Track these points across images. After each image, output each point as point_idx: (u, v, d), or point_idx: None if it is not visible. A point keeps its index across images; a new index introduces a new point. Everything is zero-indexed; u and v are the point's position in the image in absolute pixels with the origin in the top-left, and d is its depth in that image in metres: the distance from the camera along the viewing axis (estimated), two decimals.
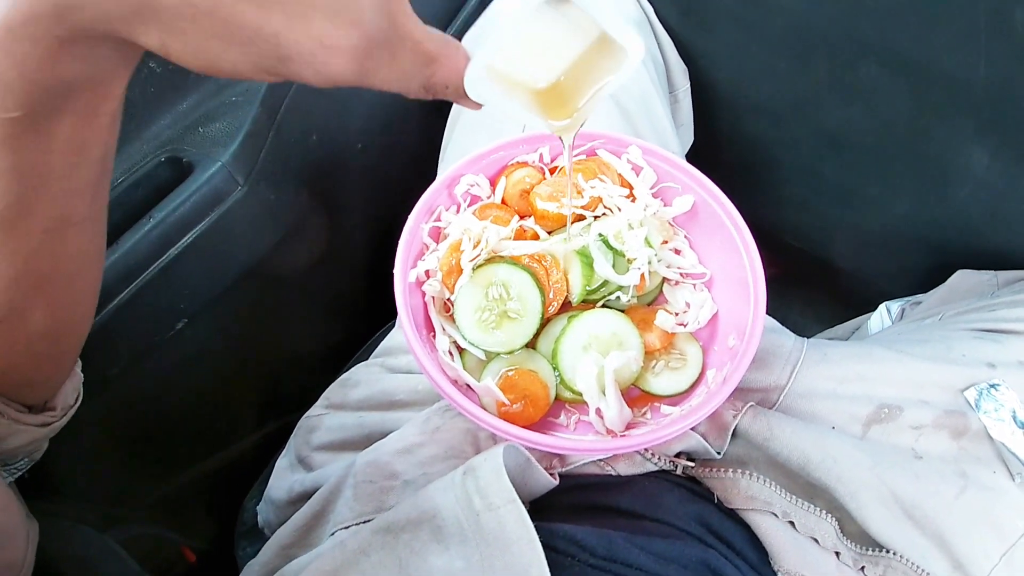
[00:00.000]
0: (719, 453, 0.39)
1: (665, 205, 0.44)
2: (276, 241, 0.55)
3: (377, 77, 0.20)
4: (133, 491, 0.57)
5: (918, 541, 0.37)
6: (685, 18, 0.60)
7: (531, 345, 0.40)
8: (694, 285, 0.44)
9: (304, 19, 0.17)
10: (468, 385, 0.39)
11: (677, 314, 0.42)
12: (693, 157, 0.66)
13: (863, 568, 0.37)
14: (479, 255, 0.40)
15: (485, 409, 0.36)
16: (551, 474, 0.38)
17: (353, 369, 0.52)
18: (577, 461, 0.39)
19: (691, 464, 0.40)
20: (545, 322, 0.40)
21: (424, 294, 0.41)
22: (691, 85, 0.64)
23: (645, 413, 0.40)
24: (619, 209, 0.43)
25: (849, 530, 0.38)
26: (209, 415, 0.60)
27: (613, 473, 0.40)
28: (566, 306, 0.42)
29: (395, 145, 0.66)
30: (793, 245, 0.72)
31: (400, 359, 0.50)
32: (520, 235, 0.42)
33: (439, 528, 0.33)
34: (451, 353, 0.40)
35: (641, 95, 0.53)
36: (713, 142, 0.68)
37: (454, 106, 0.57)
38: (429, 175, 0.48)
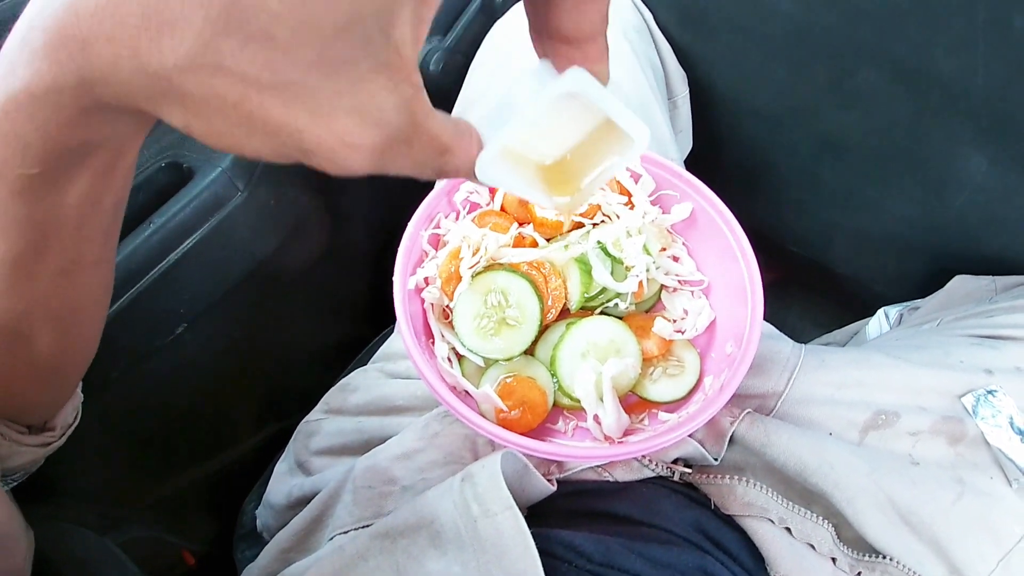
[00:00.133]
0: (716, 459, 0.40)
1: (663, 212, 0.44)
2: (276, 246, 0.56)
3: (392, 167, 0.20)
4: (132, 494, 0.57)
5: (915, 547, 0.37)
6: (684, 24, 0.61)
7: (529, 352, 0.40)
8: (692, 292, 0.44)
9: (328, 118, 0.18)
10: (467, 391, 0.39)
11: (675, 321, 0.43)
12: (692, 163, 0.66)
13: (859, 574, 0.37)
14: (478, 262, 0.40)
15: (483, 415, 0.36)
16: (549, 480, 0.38)
17: (352, 374, 0.52)
18: (575, 467, 0.39)
19: (688, 470, 0.40)
20: (543, 329, 0.41)
21: (423, 301, 0.41)
22: (690, 91, 0.64)
23: (643, 420, 0.40)
24: (617, 216, 0.43)
25: (846, 536, 0.38)
26: (208, 419, 0.60)
27: (611, 479, 0.40)
28: (564, 313, 0.42)
29: None
30: (792, 250, 0.72)
31: (399, 364, 0.50)
32: (519, 242, 0.43)
33: (437, 534, 0.33)
34: (450, 360, 0.40)
35: (640, 102, 0.54)
36: (712, 148, 0.68)
37: (454, 111, 0.57)
38: (428, 181, 0.48)
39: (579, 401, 0.39)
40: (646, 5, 0.61)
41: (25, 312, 0.25)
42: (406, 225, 0.40)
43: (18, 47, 0.18)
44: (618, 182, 0.44)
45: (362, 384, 0.50)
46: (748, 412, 0.40)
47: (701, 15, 0.59)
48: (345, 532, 0.40)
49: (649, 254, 0.42)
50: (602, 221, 0.43)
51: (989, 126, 0.48)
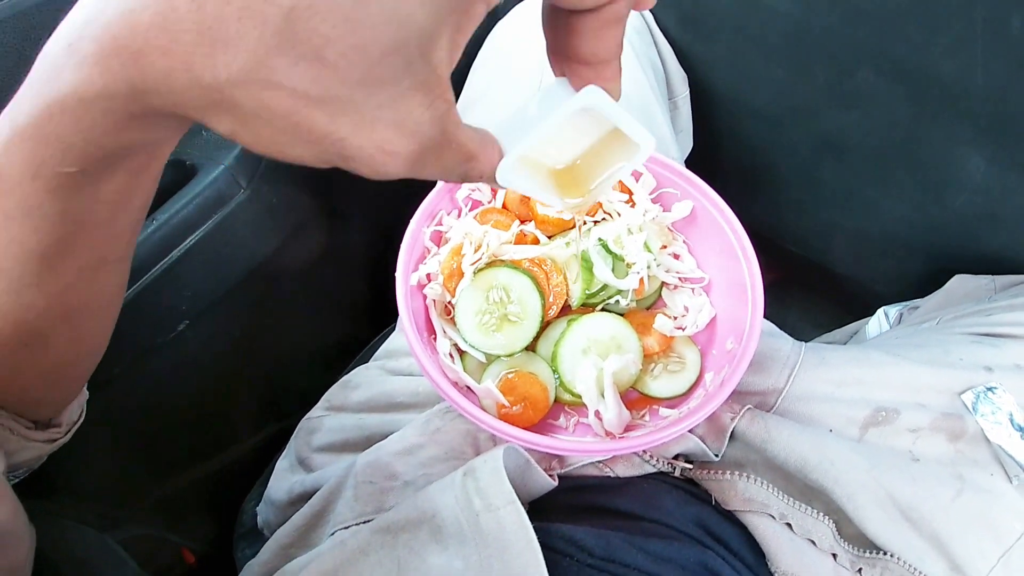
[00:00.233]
0: (717, 455, 0.40)
1: (664, 210, 0.44)
2: (278, 244, 0.56)
3: (424, 173, 0.22)
4: (133, 492, 0.57)
5: (915, 543, 0.37)
6: (684, 25, 0.61)
7: (531, 348, 0.41)
8: (692, 289, 0.44)
9: (369, 129, 0.19)
10: (468, 387, 0.39)
11: (676, 318, 0.43)
12: (692, 163, 0.67)
13: (860, 570, 0.37)
14: (480, 259, 0.40)
15: (485, 411, 0.36)
16: (550, 475, 0.38)
17: (354, 371, 0.52)
18: (576, 462, 0.39)
19: (689, 466, 0.40)
20: (545, 325, 0.41)
21: (425, 297, 0.41)
22: (690, 92, 0.64)
23: (643, 415, 0.40)
24: (619, 214, 0.43)
25: (846, 532, 0.38)
26: (209, 417, 0.60)
27: (612, 475, 0.40)
28: (566, 310, 0.42)
29: None
30: (791, 250, 0.72)
31: (401, 361, 0.50)
32: (520, 239, 0.43)
33: (438, 528, 0.33)
34: (452, 355, 0.40)
35: (641, 102, 0.54)
36: (712, 148, 0.69)
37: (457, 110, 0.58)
38: (430, 182, 0.49)
39: (580, 397, 0.39)
40: None
41: (45, 309, 0.26)
42: (407, 224, 0.40)
43: (65, 53, 0.19)
44: (619, 180, 0.44)
45: (364, 381, 0.50)
46: (748, 408, 0.40)
47: (701, 16, 0.59)
48: (346, 527, 0.40)
49: (650, 251, 0.42)
50: (603, 218, 0.44)
51: (988, 126, 0.49)
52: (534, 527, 0.31)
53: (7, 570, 0.27)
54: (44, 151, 0.20)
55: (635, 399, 0.42)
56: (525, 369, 0.40)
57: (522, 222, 0.44)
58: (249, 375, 0.62)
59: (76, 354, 0.29)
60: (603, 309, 0.43)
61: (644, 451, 0.40)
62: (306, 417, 0.52)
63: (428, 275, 0.41)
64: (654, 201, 0.44)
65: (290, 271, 0.59)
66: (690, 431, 0.39)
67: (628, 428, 0.39)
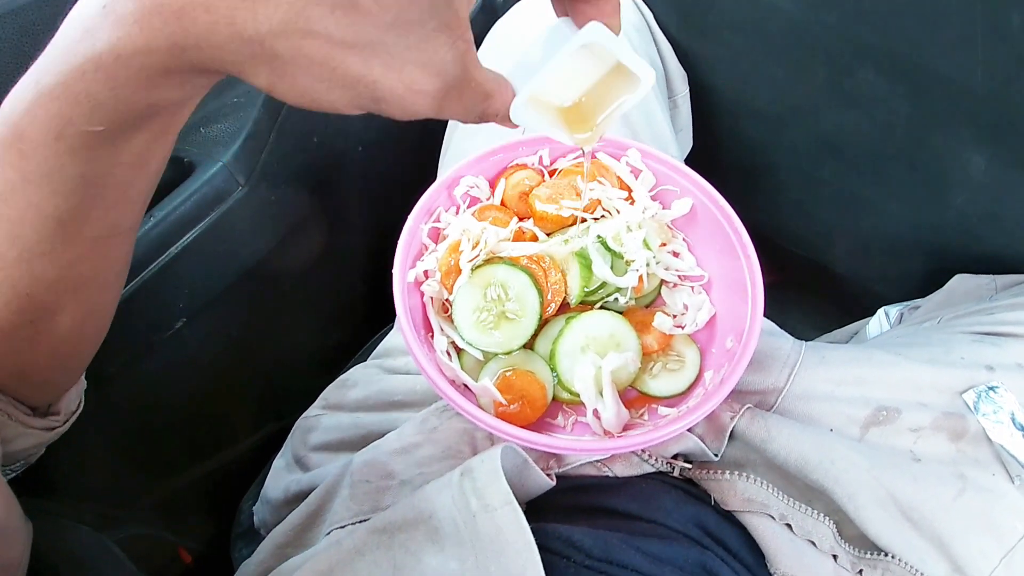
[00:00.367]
0: (716, 455, 0.39)
1: (664, 208, 0.44)
2: (276, 242, 0.56)
3: (448, 111, 0.24)
4: (129, 491, 0.57)
5: (917, 543, 0.37)
6: (684, 24, 0.61)
7: (529, 346, 0.40)
8: (692, 288, 0.44)
9: (398, 69, 0.21)
10: (466, 385, 0.39)
11: (675, 316, 0.43)
12: (692, 162, 0.66)
13: (861, 571, 0.37)
14: (478, 256, 0.40)
15: (482, 409, 0.36)
16: (548, 475, 0.37)
17: (351, 370, 0.52)
18: (574, 462, 0.39)
19: (688, 466, 0.40)
20: (543, 323, 0.40)
21: (423, 294, 0.41)
22: (690, 91, 0.64)
23: (642, 414, 0.40)
24: (618, 211, 0.43)
25: (847, 533, 0.38)
26: (206, 416, 0.60)
27: (610, 474, 0.40)
28: (564, 307, 0.42)
29: (394, 147, 0.67)
30: (791, 251, 0.72)
31: (398, 360, 0.50)
32: (519, 237, 0.43)
33: (435, 529, 0.33)
34: (449, 353, 0.40)
35: (641, 100, 0.54)
36: (711, 147, 0.69)
37: None
38: (428, 177, 0.48)
39: (578, 395, 0.38)
40: (646, 4, 0.61)
41: (56, 280, 0.26)
42: (405, 221, 0.40)
43: (100, 14, 0.19)
44: (618, 177, 0.44)
45: (361, 380, 0.50)
46: (748, 408, 0.40)
47: (701, 14, 0.59)
48: (342, 527, 0.39)
49: (649, 249, 0.42)
50: (602, 216, 0.43)
51: (989, 125, 0.48)
52: (531, 527, 0.31)
53: (2, 566, 0.27)
54: (72, 110, 0.21)
55: (634, 398, 0.41)
56: (523, 367, 0.40)
57: (520, 219, 0.43)
58: (246, 374, 0.61)
59: (81, 332, 0.29)
60: (602, 307, 0.42)
61: (643, 450, 0.40)
62: (303, 416, 0.51)
63: (425, 272, 0.40)
64: (654, 198, 0.44)
65: (288, 269, 0.59)
66: (689, 430, 0.39)
67: (627, 427, 0.39)
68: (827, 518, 0.38)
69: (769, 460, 0.39)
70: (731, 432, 0.39)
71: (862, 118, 0.56)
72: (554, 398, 0.40)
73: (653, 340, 0.41)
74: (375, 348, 0.55)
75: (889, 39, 0.50)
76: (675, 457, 0.40)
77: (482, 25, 0.64)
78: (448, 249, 0.40)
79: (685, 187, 0.43)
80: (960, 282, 0.54)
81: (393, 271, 0.38)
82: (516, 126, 0.27)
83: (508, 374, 0.39)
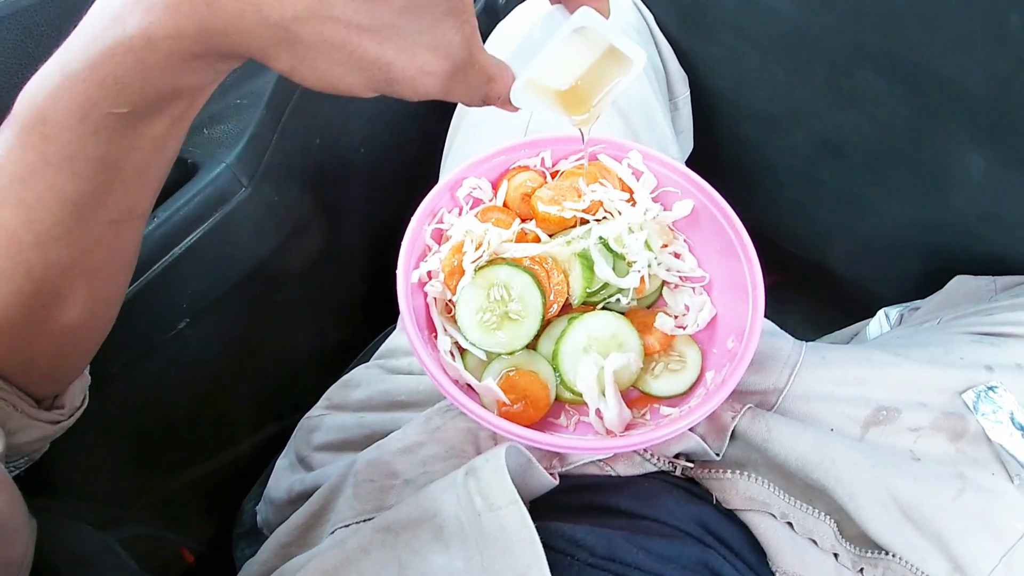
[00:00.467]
0: (718, 454, 0.40)
1: (665, 209, 0.44)
2: (278, 243, 0.56)
3: (454, 93, 0.25)
4: (132, 491, 0.57)
5: (917, 543, 0.37)
6: (684, 26, 0.61)
7: (532, 346, 0.41)
8: (693, 289, 0.44)
9: (410, 51, 0.23)
10: (469, 385, 0.39)
11: (676, 317, 0.43)
12: (692, 163, 0.67)
13: (862, 570, 0.37)
14: (481, 257, 0.40)
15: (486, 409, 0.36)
16: (551, 474, 0.38)
17: (354, 370, 0.52)
18: (577, 461, 0.39)
19: (690, 465, 0.40)
20: (546, 324, 0.41)
21: (426, 295, 0.41)
22: (690, 92, 0.64)
23: (644, 414, 0.40)
24: (619, 213, 0.43)
25: (848, 532, 0.38)
26: (208, 416, 0.60)
27: (612, 473, 0.40)
28: (566, 308, 0.42)
29: (397, 149, 0.67)
30: (791, 252, 0.72)
31: (401, 360, 0.50)
32: (521, 238, 0.43)
33: (440, 528, 0.33)
34: (452, 354, 0.40)
35: (642, 102, 0.54)
36: (711, 149, 0.69)
37: (456, 111, 0.58)
38: (430, 179, 0.49)
39: (581, 395, 0.39)
40: (647, 6, 0.61)
41: (70, 266, 0.26)
42: (407, 223, 0.40)
43: (129, 1, 0.21)
44: (620, 179, 0.44)
45: (364, 380, 0.50)
46: (749, 407, 0.40)
47: (700, 16, 0.59)
48: (346, 526, 0.40)
49: (651, 250, 0.42)
50: (604, 217, 0.44)
51: (988, 126, 0.49)
52: (535, 526, 0.31)
53: (5, 563, 0.27)
54: (98, 92, 0.22)
55: (636, 398, 0.41)
56: (526, 367, 0.40)
57: (523, 220, 0.44)
58: (249, 374, 0.62)
59: (90, 321, 0.30)
60: (604, 308, 0.43)
61: (645, 450, 0.40)
62: (306, 416, 0.52)
63: (429, 273, 0.41)
64: (655, 200, 0.44)
65: (289, 270, 0.59)
66: (691, 430, 0.39)
67: (629, 427, 0.39)
68: (828, 517, 0.38)
69: (770, 459, 0.39)
70: (732, 432, 0.39)
71: (862, 119, 0.56)
72: (557, 398, 0.40)
73: (655, 340, 0.41)
74: (377, 349, 0.55)
75: (888, 40, 0.50)
76: (677, 456, 0.40)
77: (484, 26, 0.64)
78: (451, 250, 0.40)
79: (686, 189, 0.44)
80: (960, 283, 0.54)
81: (397, 272, 0.38)
82: (517, 109, 0.28)
83: (511, 374, 0.39)
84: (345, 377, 0.52)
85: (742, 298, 0.40)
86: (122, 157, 0.24)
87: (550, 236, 0.43)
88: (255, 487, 0.60)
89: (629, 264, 0.42)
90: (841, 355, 0.43)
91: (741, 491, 0.39)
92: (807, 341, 0.45)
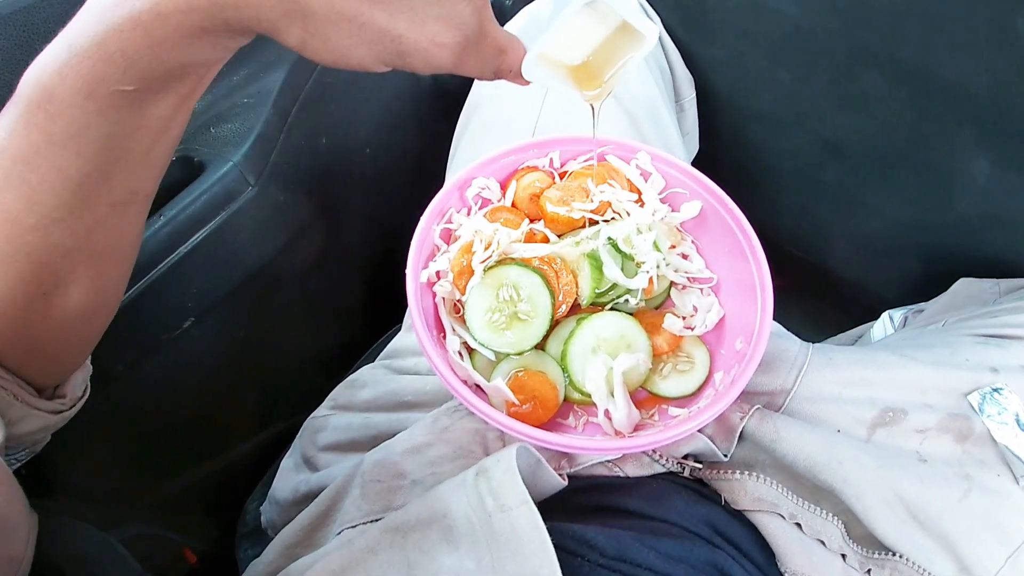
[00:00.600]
0: (726, 455, 0.40)
1: (673, 210, 0.44)
2: (284, 242, 0.56)
3: (466, 65, 0.25)
4: (134, 491, 0.57)
5: (923, 543, 0.37)
6: (690, 29, 0.61)
7: (540, 347, 0.41)
8: (701, 290, 0.44)
9: (422, 24, 0.23)
10: (478, 386, 0.39)
11: (684, 318, 0.43)
12: (697, 165, 0.67)
13: (869, 571, 0.38)
14: (490, 257, 0.40)
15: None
16: (559, 475, 0.38)
17: (360, 371, 0.52)
18: (586, 462, 0.39)
19: (699, 466, 0.40)
20: (554, 324, 0.41)
21: (435, 295, 0.41)
22: (696, 94, 0.65)
23: (653, 415, 0.40)
24: (628, 214, 0.43)
25: (855, 533, 0.39)
26: (211, 416, 0.60)
27: (621, 474, 0.40)
28: (575, 308, 0.42)
29: (402, 150, 0.67)
30: (794, 254, 0.72)
31: (407, 361, 0.50)
32: (530, 238, 0.43)
33: (450, 528, 0.33)
34: (461, 354, 0.40)
35: (649, 104, 0.54)
36: (715, 150, 0.69)
37: (463, 112, 0.58)
38: (435, 180, 0.49)
39: (590, 396, 0.39)
40: (654, 9, 0.61)
41: (72, 251, 0.26)
42: (412, 226, 0.40)
43: None
44: (628, 180, 0.44)
45: (370, 380, 0.50)
46: (757, 408, 0.40)
47: (706, 19, 0.60)
48: (353, 526, 0.39)
49: (659, 251, 0.42)
50: (613, 218, 0.44)
51: (991, 128, 0.49)
52: (546, 527, 0.31)
53: (4, 560, 0.27)
54: (105, 68, 0.22)
55: (644, 399, 0.42)
56: (535, 368, 0.40)
57: (531, 221, 0.44)
58: (252, 374, 0.61)
59: (93, 308, 0.29)
60: (612, 308, 0.43)
61: (654, 451, 0.40)
62: (311, 416, 0.51)
63: (438, 273, 0.41)
64: (663, 201, 0.44)
65: (294, 270, 0.59)
66: (699, 431, 0.39)
67: (637, 427, 0.39)
68: (835, 518, 0.38)
69: (778, 460, 0.39)
70: (740, 433, 0.39)
71: (866, 122, 0.56)
72: (565, 398, 0.40)
73: (663, 341, 0.41)
74: (382, 349, 0.55)
75: (893, 43, 0.51)
76: (685, 457, 0.40)
77: None
78: (460, 250, 0.40)
79: (694, 190, 0.44)
80: (964, 286, 0.55)
81: (406, 272, 0.38)
82: (528, 82, 0.29)
83: (520, 374, 0.39)
84: (351, 377, 0.52)
85: (750, 299, 0.40)
86: (127, 136, 0.24)
87: (559, 237, 0.43)
88: (258, 487, 0.59)
89: (638, 265, 0.42)
90: (847, 357, 0.43)
91: (750, 492, 0.39)
92: (810, 342, 0.45)
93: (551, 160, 0.45)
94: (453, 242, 0.42)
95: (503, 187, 0.44)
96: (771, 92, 0.61)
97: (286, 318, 0.62)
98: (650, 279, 0.41)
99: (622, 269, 0.41)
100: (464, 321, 0.40)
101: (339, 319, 0.69)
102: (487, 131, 0.54)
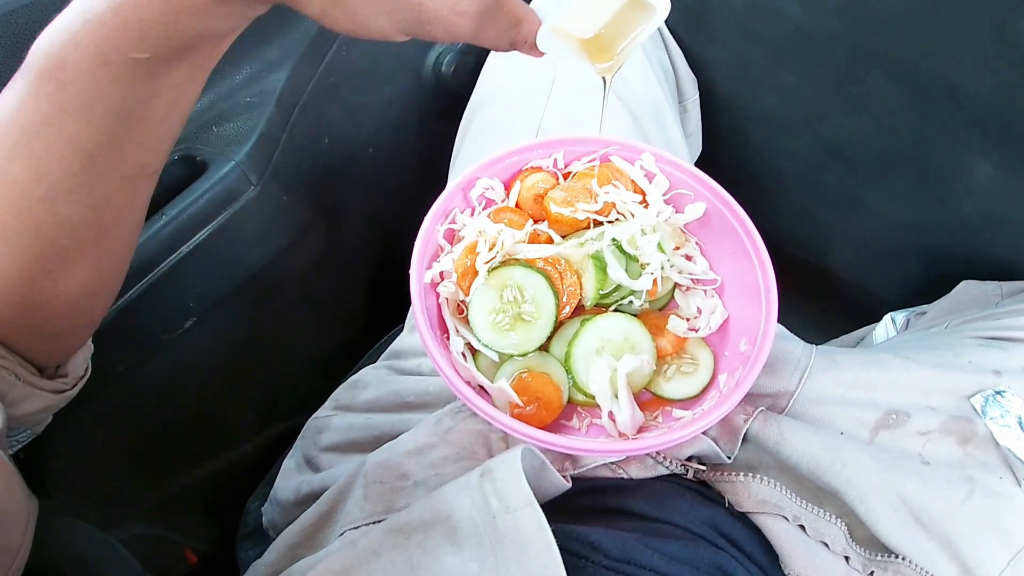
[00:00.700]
0: (730, 457, 0.40)
1: (677, 212, 0.44)
2: (286, 242, 0.55)
3: (484, 35, 0.26)
4: (135, 491, 0.57)
5: (926, 546, 0.37)
6: (694, 29, 0.61)
7: (544, 348, 0.40)
8: (705, 291, 0.44)
9: None
10: (481, 387, 0.39)
11: (688, 319, 0.43)
12: (700, 166, 0.67)
13: (872, 573, 0.38)
14: (494, 258, 0.40)
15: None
16: (563, 477, 0.38)
17: (362, 371, 0.52)
18: (589, 463, 0.39)
19: (702, 468, 0.40)
20: (558, 325, 0.41)
21: (438, 296, 0.41)
22: (699, 95, 0.65)
23: (657, 417, 0.40)
24: (632, 215, 0.43)
25: (858, 535, 0.39)
26: (212, 416, 0.60)
27: (625, 476, 0.40)
28: (579, 310, 0.42)
29: (404, 150, 0.67)
30: (796, 255, 0.73)
31: (410, 362, 0.50)
32: (534, 239, 0.43)
33: (453, 529, 0.33)
34: (464, 355, 0.40)
35: (652, 105, 0.54)
36: (717, 151, 0.69)
37: (466, 112, 0.58)
38: (438, 180, 0.48)
39: (594, 397, 0.39)
40: None
41: (79, 225, 0.26)
42: (414, 227, 0.40)
43: None
44: (632, 181, 0.44)
45: (372, 381, 0.50)
46: (761, 410, 0.40)
47: (709, 20, 0.60)
48: (356, 527, 0.39)
49: (663, 252, 0.42)
50: (617, 219, 0.43)
51: (995, 131, 0.49)
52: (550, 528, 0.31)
53: (2, 550, 0.26)
54: (121, 35, 0.21)
55: (648, 400, 0.41)
56: (538, 369, 0.40)
57: (535, 221, 0.43)
58: (253, 374, 0.61)
59: (97, 286, 0.29)
60: (616, 310, 0.43)
61: (657, 453, 0.40)
62: (313, 416, 0.51)
63: (441, 273, 0.41)
64: (667, 202, 0.44)
65: (297, 270, 0.59)
66: (703, 433, 0.39)
67: (641, 429, 0.39)
68: (839, 520, 0.38)
69: (781, 462, 0.39)
70: (744, 435, 0.39)
71: (869, 123, 0.56)
72: (569, 400, 0.40)
73: (667, 343, 0.41)
74: (383, 350, 0.55)
75: (897, 45, 0.51)
76: (689, 459, 0.40)
77: None
78: (464, 250, 0.40)
79: (698, 191, 0.44)
80: (966, 288, 0.55)
81: (410, 272, 0.38)
82: (542, 54, 0.29)
83: (524, 376, 0.39)
84: (353, 378, 0.52)
85: (754, 301, 0.40)
86: (140, 106, 0.24)
87: (563, 237, 0.43)
88: (259, 488, 0.59)
89: (642, 266, 0.42)
90: (850, 359, 0.43)
91: (753, 494, 0.39)
92: (812, 344, 0.45)
93: (555, 161, 0.45)
94: (457, 243, 0.42)
95: (507, 187, 0.44)
96: (774, 93, 0.61)
97: (287, 318, 0.61)
98: (654, 280, 0.41)
99: (626, 270, 0.41)
100: (468, 322, 0.40)
101: (341, 319, 0.69)
102: (490, 131, 0.54)
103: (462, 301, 0.41)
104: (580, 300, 0.41)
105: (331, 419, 0.49)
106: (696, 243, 0.45)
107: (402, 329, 0.56)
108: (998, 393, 0.41)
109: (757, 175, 0.69)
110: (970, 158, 0.51)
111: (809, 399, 0.41)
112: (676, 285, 0.44)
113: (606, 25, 0.31)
